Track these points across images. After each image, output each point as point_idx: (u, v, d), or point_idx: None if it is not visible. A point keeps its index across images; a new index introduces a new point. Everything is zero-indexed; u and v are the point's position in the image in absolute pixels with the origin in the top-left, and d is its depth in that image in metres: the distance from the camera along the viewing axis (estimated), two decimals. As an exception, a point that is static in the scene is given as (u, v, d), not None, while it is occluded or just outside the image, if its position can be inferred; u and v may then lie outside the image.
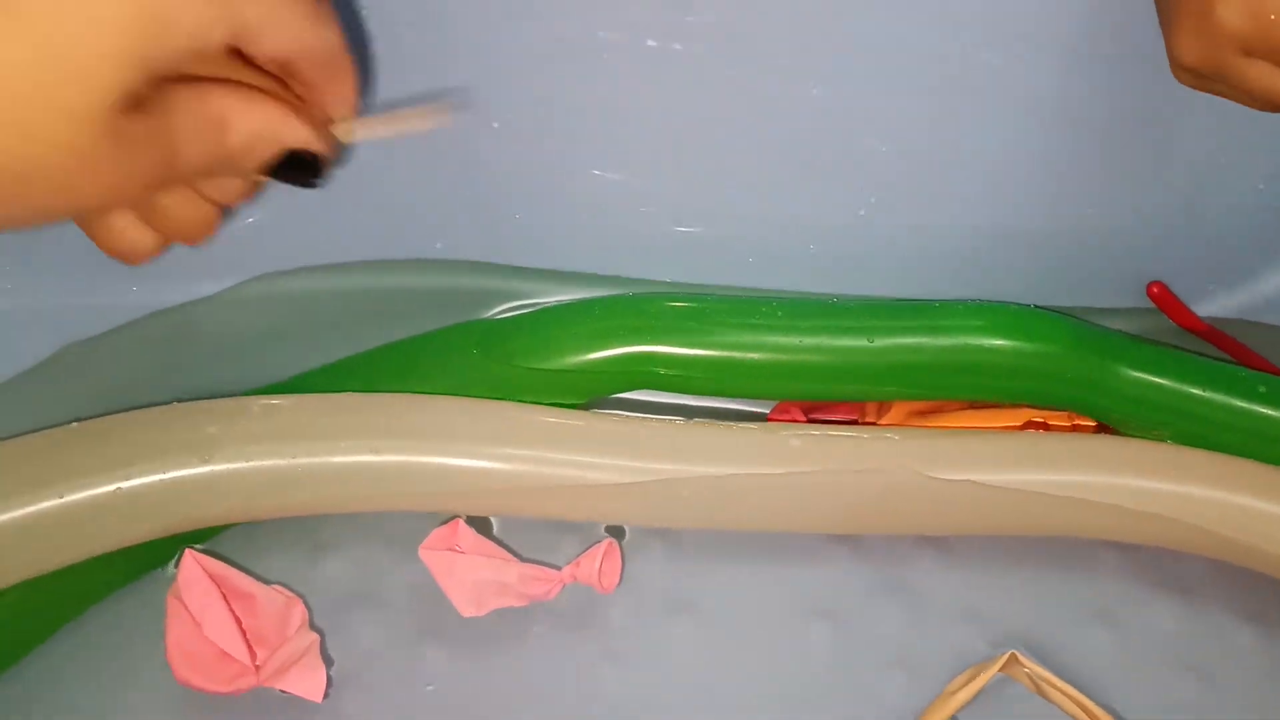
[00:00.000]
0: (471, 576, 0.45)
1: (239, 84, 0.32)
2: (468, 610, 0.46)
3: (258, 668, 0.42)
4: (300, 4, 0.30)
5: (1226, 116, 0.49)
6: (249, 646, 0.42)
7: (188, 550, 0.45)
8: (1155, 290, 0.58)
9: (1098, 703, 0.46)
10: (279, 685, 0.42)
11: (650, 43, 0.49)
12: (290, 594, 0.46)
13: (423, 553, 0.46)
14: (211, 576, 0.44)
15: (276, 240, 0.54)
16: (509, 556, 0.47)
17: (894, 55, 0.49)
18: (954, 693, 0.46)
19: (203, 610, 0.43)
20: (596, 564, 0.46)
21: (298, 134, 0.32)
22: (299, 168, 0.33)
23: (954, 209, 0.55)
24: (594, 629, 0.48)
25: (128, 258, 0.35)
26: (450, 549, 0.46)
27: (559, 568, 0.47)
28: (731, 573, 0.50)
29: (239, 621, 0.43)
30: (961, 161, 0.53)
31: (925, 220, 0.55)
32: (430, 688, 0.45)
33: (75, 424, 0.44)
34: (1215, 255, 0.57)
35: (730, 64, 0.50)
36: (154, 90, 0.28)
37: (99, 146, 0.27)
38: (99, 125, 0.26)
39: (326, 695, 0.43)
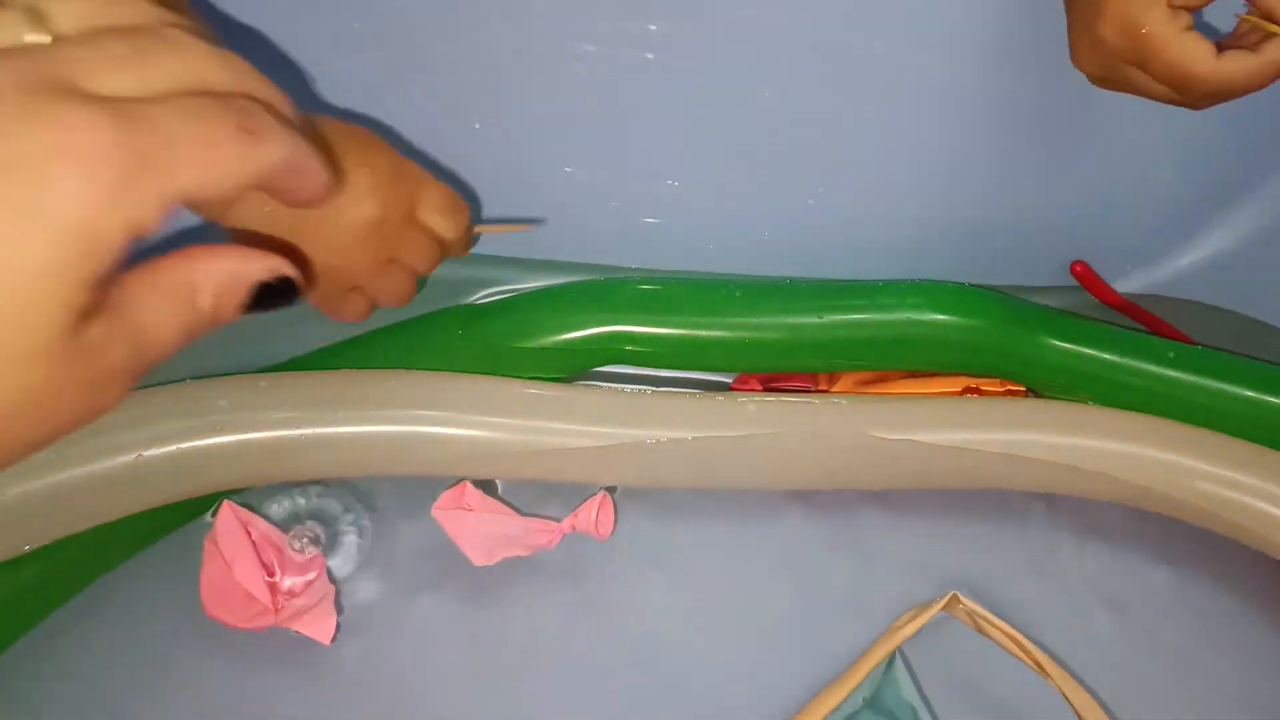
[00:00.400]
0: (481, 530, 0.50)
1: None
2: (479, 560, 0.50)
3: (277, 609, 0.47)
4: (232, 137, 0.27)
5: (1137, 115, 0.54)
6: (271, 590, 0.47)
7: (225, 501, 0.49)
8: (1078, 269, 0.63)
9: (1028, 637, 0.51)
10: (294, 627, 0.47)
11: (617, 52, 0.54)
12: (316, 552, 0.50)
13: (435, 512, 0.51)
14: (245, 526, 0.49)
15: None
16: (512, 512, 0.52)
17: (837, 60, 0.55)
18: (900, 628, 0.51)
19: (234, 555, 0.47)
20: (593, 514, 0.51)
21: (262, 265, 0.30)
22: (274, 295, 0.31)
23: (894, 199, 0.60)
24: (576, 579, 0.52)
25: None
26: (459, 508, 0.50)
27: (558, 520, 0.52)
28: (698, 527, 0.55)
29: (265, 567, 0.47)
30: (900, 156, 0.59)
31: (868, 209, 0.60)
32: (425, 635, 0.50)
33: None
34: (1131, 238, 0.63)
35: (689, 70, 0.55)
36: (103, 291, 0.26)
37: (64, 373, 0.25)
38: (58, 357, 0.25)
39: (334, 640, 0.48)
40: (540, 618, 0.51)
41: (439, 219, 0.47)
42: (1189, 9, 0.42)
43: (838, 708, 0.48)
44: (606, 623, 0.51)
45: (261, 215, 0.42)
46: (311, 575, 0.48)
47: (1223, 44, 0.43)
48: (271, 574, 0.47)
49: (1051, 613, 0.53)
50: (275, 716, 0.47)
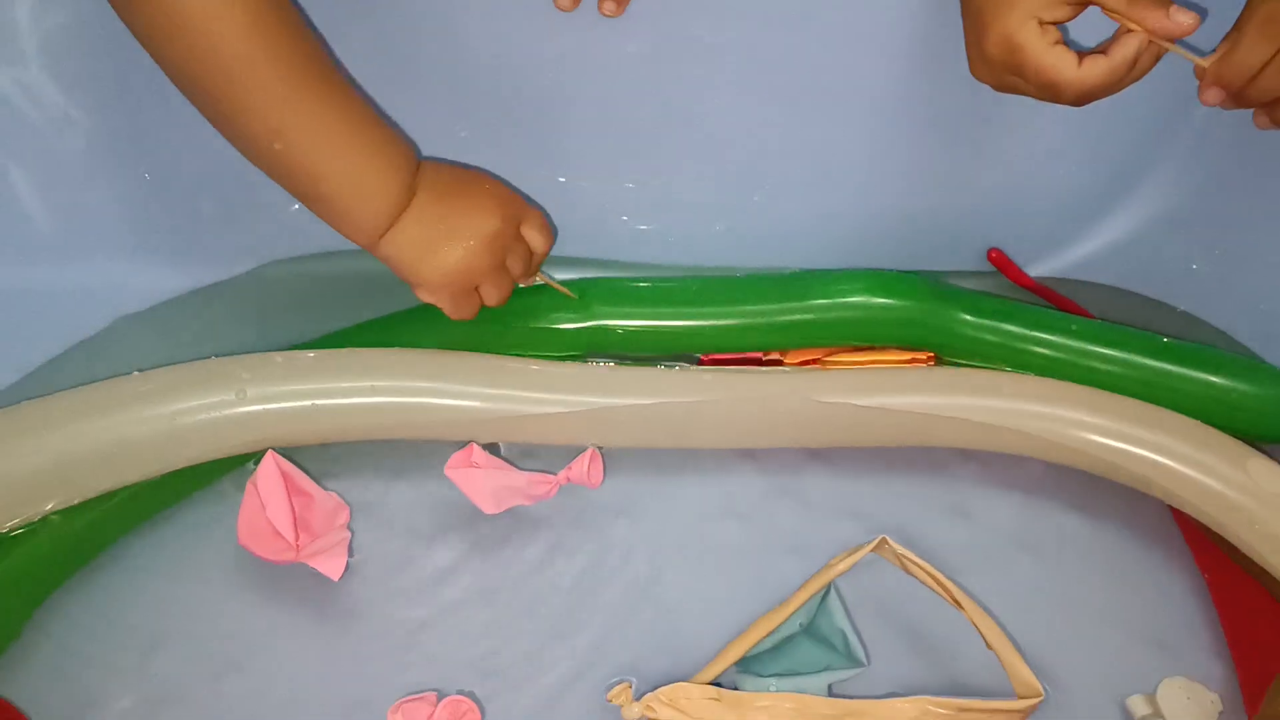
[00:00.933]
0: (489, 484, 0.58)
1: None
2: (489, 509, 0.58)
3: (298, 547, 0.54)
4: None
5: (1046, 117, 0.62)
6: (296, 530, 0.54)
7: (270, 451, 0.57)
8: (994, 255, 0.71)
9: (949, 577, 0.57)
10: (310, 562, 0.55)
11: (591, 69, 0.62)
12: (340, 500, 0.58)
13: (448, 471, 0.58)
14: (283, 474, 0.56)
15: (290, 231, 0.66)
16: (514, 468, 0.60)
17: (779, 71, 0.62)
18: (834, 565, 0.57)
19: (269, 496, 0.55)
20: (585, 467, 0.59)
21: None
22: None
23: (830, 194, 0.68)
24: (546, 529, 0.60)
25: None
26: (469, 466, 0.58)
27: (554, 474, 0.59)
28: (658, 482, 0.62)
29: (294, 511, 0.55)
30: (835, 156, 0.66)
31: (807, 204, 0.68)
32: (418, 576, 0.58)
33: (136, 373, 0.56)
34: (1041, 226, 0.71)
35: (651, 83, 0.63)
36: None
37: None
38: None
39: (342, 577, 0.55)
40: (529, 554, 0.59)
41: (535, 235, 0.60)
42: (1056, 24, 0.50)
43: (776, 630, 0.55)
44: (583, 558, 0.59)
45: None
46: (334, 521, 0.56)
47: (1094, 50, 0.51)
48: (297, 516, 0.55)
49: (974, 557, 0.60)
50: (292, 638, 0.55)
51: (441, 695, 0.52)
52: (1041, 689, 0.52)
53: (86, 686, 0.53)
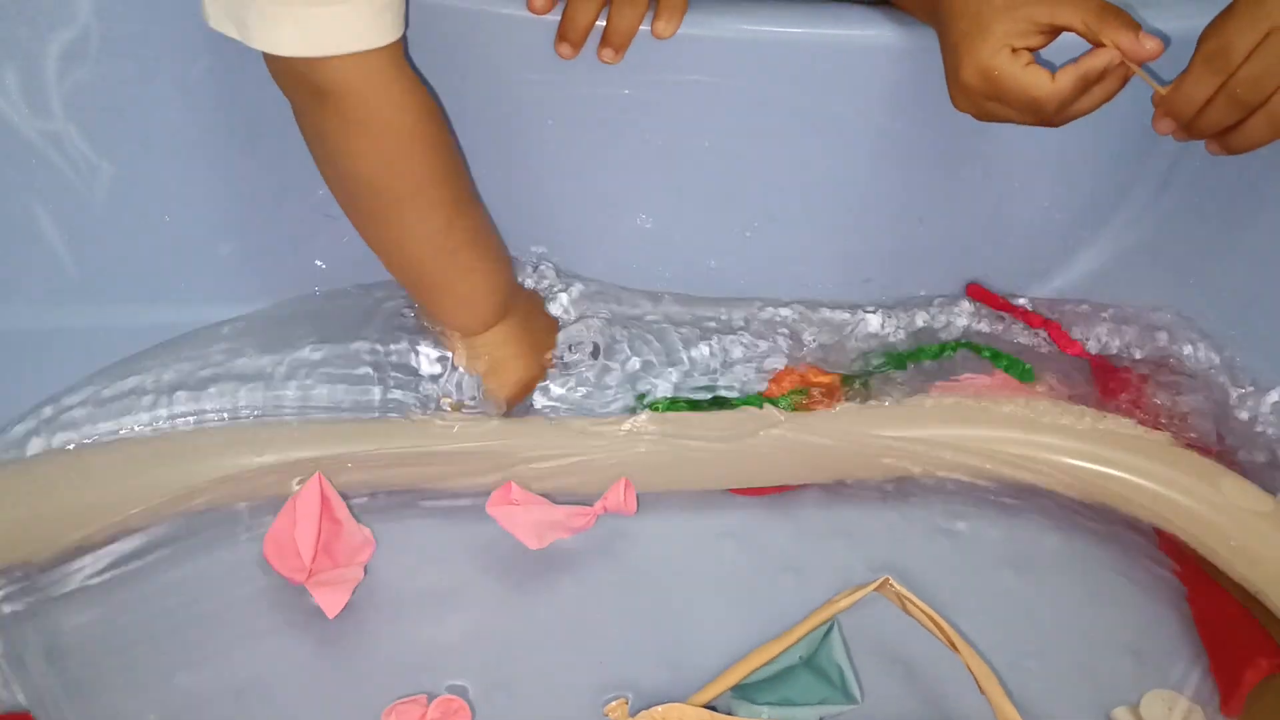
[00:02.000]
0: (531, 519, 0.61)
1: None
2: (533, 544, 0.61)
3: (311, 571, 0.57)
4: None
5: (1019, 157, 0.66)
6: (315, 554, 0.57)
7: (318, 473, 0.60)
8: (972, 290, 0.74)
9: (944, 615, 0.58)
10: (313, 591, 0.58)
11: (593, 111, 0.66)
12: (369, 536, 0.61)
13: (489, 509, 0.61)
14: (324, 497, 0.59)
15: (299, 270, 0.70)
16: (550, 502, 0.63)
17: (769, 115, 0.65)
18: (836, 601, 0.58)
19: (303, 516, 0.58)
20: (620, 496, 0.62)
21: None
22: None
23: (817, 228, 0.71)
24: (551, 552, 0.63)
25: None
26: (508, 503, 0.61)
27: (591, 505, 0.62)
28: (658, 507, 0.65)
29: (320, 536, 0.58)
30: (823, 192, 0.69)
31: (795, 237, 0.71)
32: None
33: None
34: (1022, 257, 0.73)
35: (649, 126, 0.66)
36: None
37: None
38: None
39: (339, 615, 0.58)
40: (535, 576, 0.62)
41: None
42: (1029, 50, 0.53)
43: (775, 660, 0.57)
44: (588, 579, 0.62)
45: None
46: (356, 556, 0.60)
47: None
48: (322, 542, 0.58)
49: (960, 572, 0.63)
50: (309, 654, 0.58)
51: (432, 697, 0.55)
52: None
53: (110, 703, 0.56)
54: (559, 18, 0.61)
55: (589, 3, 0.61)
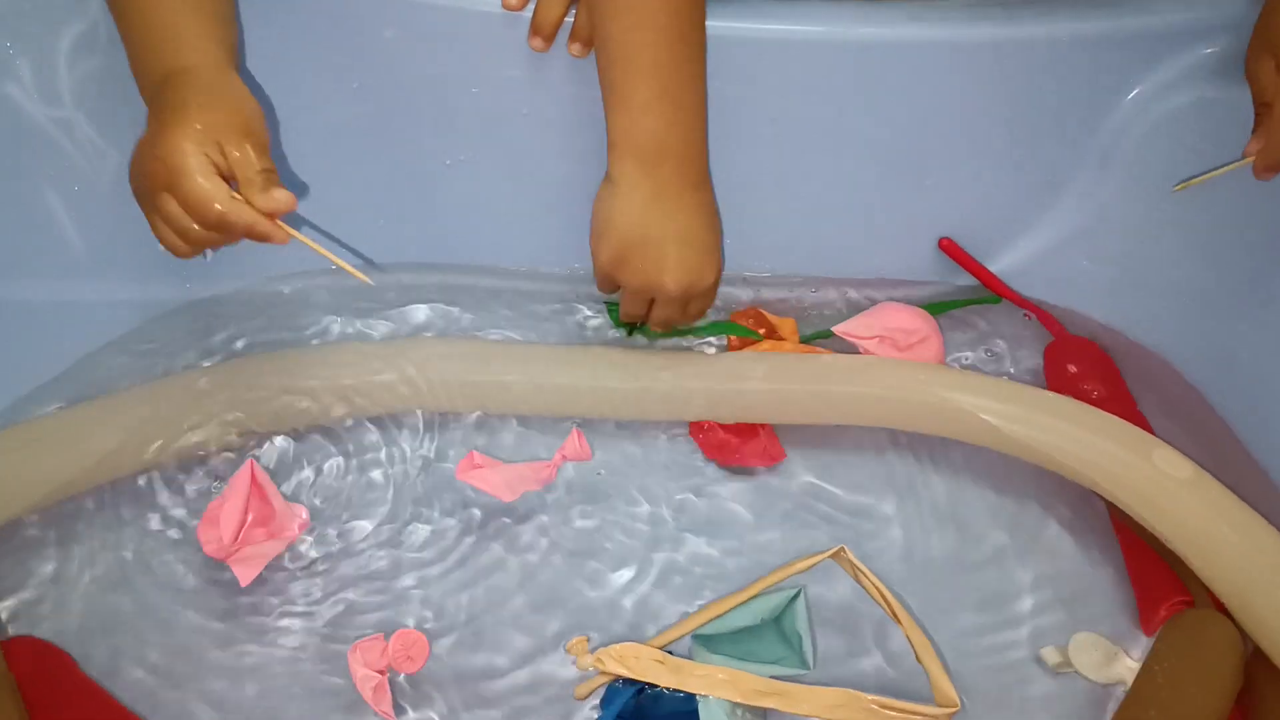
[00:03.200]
0: (500, 477, 0.66)
1: None
2: (507, 497, 0.66)
3: (228, 549, 0.62)
4: None
5: (975, 157, 0.72)
6: (237, 534, 0.61)
7: (250, 460, 0.64)
8: (945, 244, 0.78)
9: (890, 569, 0.65)
10: (229, 562, 0.62)
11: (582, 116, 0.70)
12: (302, 518, 0.65)
13: (460, 476, 0.66)
14: (254, 482, 0.63)
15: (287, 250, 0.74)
16: (507, 463, 0.67)
17: (735, 111, 0.70)
18: (793, 565, 0.62)
19: (231, 497, 0.62)
20: (576, 445, 0.66)
21: None
22: None
23: (800, 208, 0.76)
24: (522, 511, 0.67)
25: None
26: (475, 468, 0.66)
27: (548, 459, 0.67)
28: (625, 466, 0.70)
29: (244, 517, 0.62)
30: (808, 180, 0.75)
31: (779, 219, 0.77)
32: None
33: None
34: (975, 240, 0.78)
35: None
36: None
37: None
38: None
39: (254, 582, 0.62)
40: (504, 533, 0.66)
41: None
42: None
43: (734, 615, 0.61)
44: (558, 535, 0.67)
45: None
46: (279, 533, 0.64)
47: None
48: (246, 523, 0.62)
49: (908, 529, 0.68)
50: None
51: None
52: (959, 701, 0.57)
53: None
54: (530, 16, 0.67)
55: (559, 0, 0.66)
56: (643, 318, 0.70)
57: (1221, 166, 0.65)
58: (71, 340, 0.71)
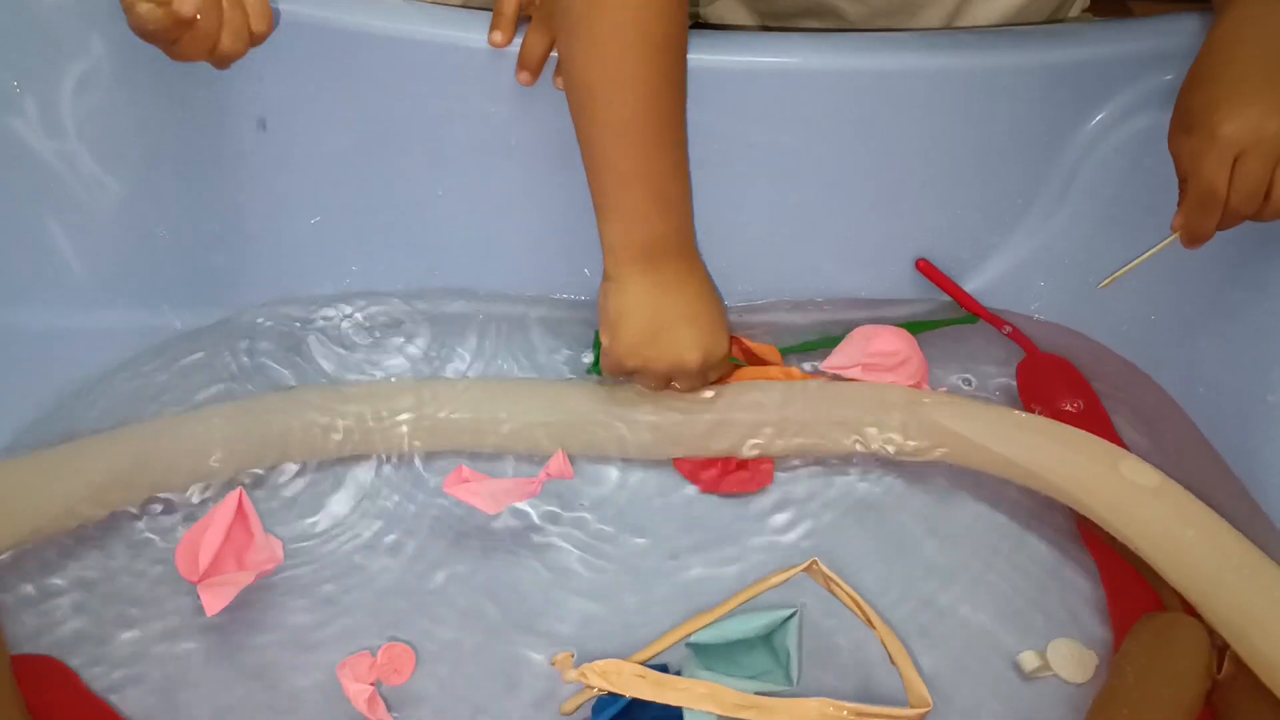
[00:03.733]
0: (485, 491, 0.67)
1: None
2: (492, 510, 0.67)
3: (200, 574, 0.63)
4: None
5: (941, 181, 0.74)
6: (212, 562, 0.63)
7: (240, 489, 0.66)
8: (922, 265, 0.80)
9: (866, 579, 0.66)
10: (200, 588, 0.62)
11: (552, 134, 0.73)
12: (276, 553, 0.65)
13: (447, 489, 0.67)
14: (239, 511, 0.65)
15: (285, 278, 0.77)
16: (493, 477, 0.69)
17: (708, 140, 0.72)
18: (768, 579, 0.64)
19: (213, 524, 0.63)
20: (559, 464, 0.69)
21: None
22: None
23: (784, 232, 0.79)
24: (508, 528, 0.69)
25: None
26: (462, 481, 0.68)
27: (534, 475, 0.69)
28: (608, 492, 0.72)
29: (222, 545, 0.63)
30: (792, 209, 0.78)
31: (759, 241, 0.79)
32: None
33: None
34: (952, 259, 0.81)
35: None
36: None
37: None
38: None
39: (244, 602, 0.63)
40: (494, 549, 0.68)
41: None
42: None
43: (732, 630, 0.62)
44: (547, 554, 0.69)
45: None
46: (252, 564, 0.64)
47: None
48: (223, 551, 0.63)
49: (885, 542, 0.70)
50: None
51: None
52: (930, 700, 0.58)
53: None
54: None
55: (543, 35, 0.69)
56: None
57: (1147, 252, 0.69)
58: (72, 367, 0.73)
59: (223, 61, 0.62)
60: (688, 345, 0.68)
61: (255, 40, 0.63)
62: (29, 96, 0.68)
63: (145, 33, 0.60)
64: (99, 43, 0.68)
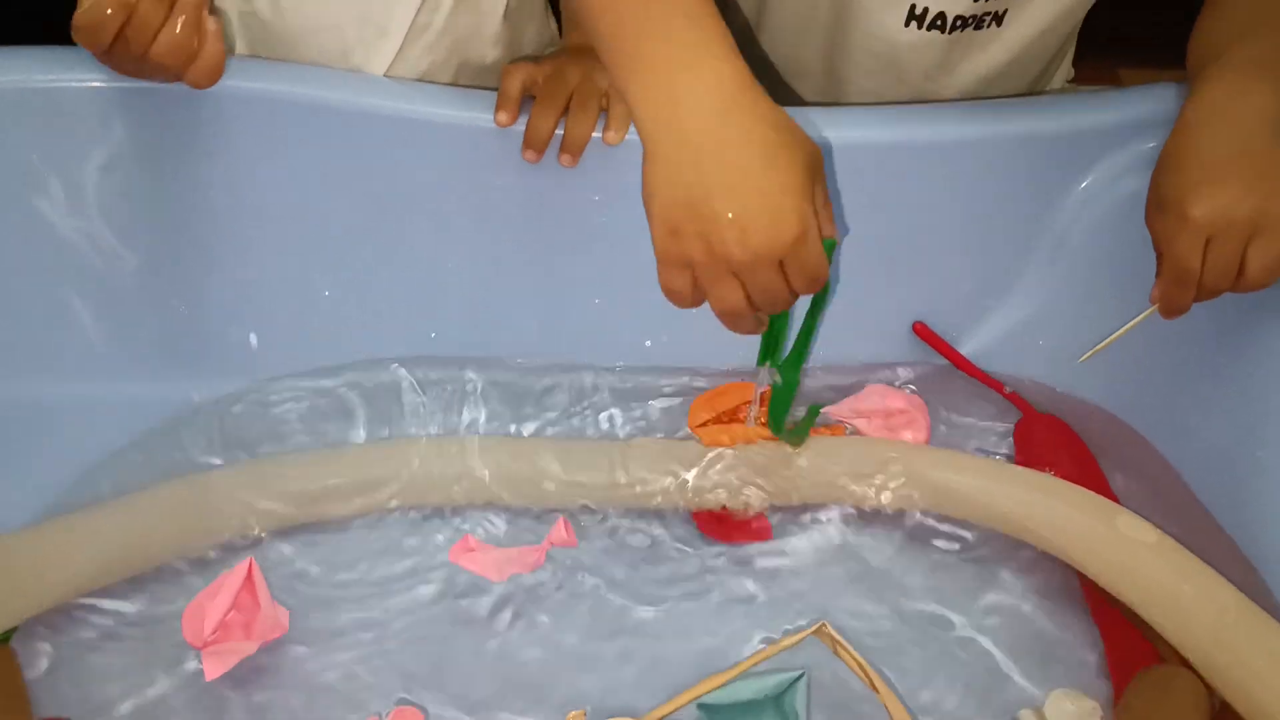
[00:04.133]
0: (489, 559, 0.70)
1: None
2: (496, 577, 0.69)
3: (204, 640, 0.64)
4: None
5: (942, 250, 0.76)
6: (217, 629, 0.64)
7: (251, 558, 0.67)
8: (918, 327, 0.82)
9: (869, 639, 0.67)
10: (203, 654, 0.64)
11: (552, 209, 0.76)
12: (281, 621, 0.67)
13: (452, 558, 0.70)
14: (249, 579, 0.66)
15: (297, 350, 0.79)
16: (498, 546, 0.71)
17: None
18: (779, 643, 0.66)
19: (222, 590, 0.65)
20: (562, 532, 0.70)
21: None
22: None
23: None
24: (514, 593, 0.70)
25: None
26: (468, 551, 0.70)
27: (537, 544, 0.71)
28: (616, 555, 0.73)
29: (228, 612, 0.65)
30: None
31: None
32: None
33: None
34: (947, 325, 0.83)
35: (600, 220, 0.76)
36: None
37: None
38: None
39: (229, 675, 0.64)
40: (500, 613, 0.69)
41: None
42: None
43: (730, 690, 0.64)
44: (554, 616, 0.70)
45: None
46: (259, 634, 0.66)
47: None
48: (229, 618, 0.65)
49: (884, 597, 0.71)
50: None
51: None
52: None
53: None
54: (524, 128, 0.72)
55: (549, 115, 0.72)
56: (754, 324, 0.58)
57: (1126, 325, 0.72)
58: (93, 438, 0.75)
59: (155, 70, 0.64)
60: (726, 223, 0.52)
61: (194, 59, 0.65)
62: (53, 177, 0.71)
63: (91, 23, 0.61)
64: (120, 127, 0.70)
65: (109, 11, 0.61)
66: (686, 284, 0.55)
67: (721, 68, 0.54)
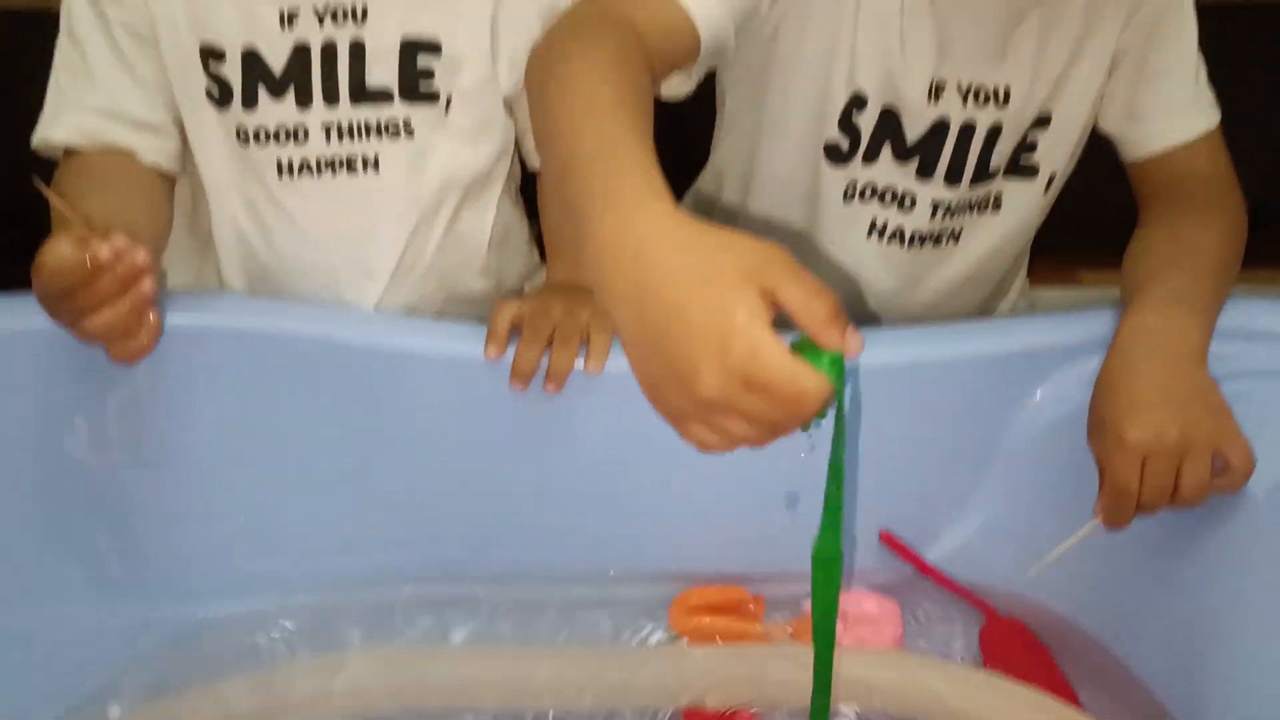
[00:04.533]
0: None
1: None
2: None
3: None
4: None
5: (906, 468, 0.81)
6: None
7: None
8: (885, 536, 0.87)
9: None
10: None
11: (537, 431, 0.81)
12: None
13: None
14: None
15: (316, 573, 0.84)
16: None
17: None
18: None
19: None
20: None
21: None
22: None
23: (745, 511, 0.85)
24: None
25: None
26: None
27: None
28: None
29: None
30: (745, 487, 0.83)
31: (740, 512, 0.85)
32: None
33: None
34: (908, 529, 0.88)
35: (581, 441, 0.82)
36: None
37: None
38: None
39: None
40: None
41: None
42: None
43: None
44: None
45: None
46: None
47: None
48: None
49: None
50: None
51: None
52: None
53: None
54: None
55: (534, 348, 0.78)
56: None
57: (1071, 538, 0.76)
58: (113, 663, 0.79)
59: (84, 334, 0.63)
60: (682, 363, 0.47)
61: (127, 340, 0.65)
62: (80, 418, 0.78)
63: (54, 288, 0.62)
64: (143, 371, 0.75)
65: (69, 268, 0.61)
66: (703, 433, 0.49)
67: (632, 216, 0.50)
